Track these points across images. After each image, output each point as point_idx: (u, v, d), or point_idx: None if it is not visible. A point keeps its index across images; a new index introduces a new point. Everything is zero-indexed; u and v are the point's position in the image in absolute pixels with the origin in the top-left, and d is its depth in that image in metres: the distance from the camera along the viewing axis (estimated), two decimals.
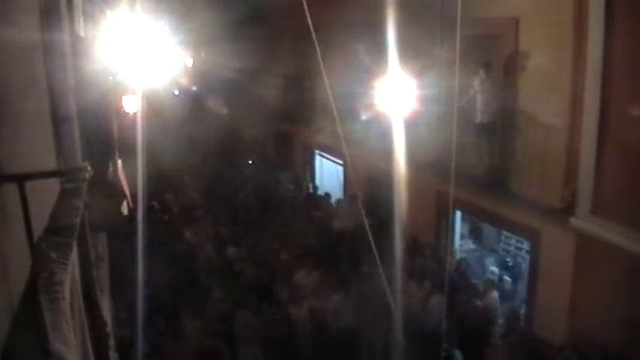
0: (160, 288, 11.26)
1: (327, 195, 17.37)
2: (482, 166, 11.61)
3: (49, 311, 1.75)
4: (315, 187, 19.16)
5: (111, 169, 6.32)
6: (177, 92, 21.54)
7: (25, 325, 1.81)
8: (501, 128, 11.37)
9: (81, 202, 2.65)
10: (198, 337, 10.39)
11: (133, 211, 8.34)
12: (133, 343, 9.25)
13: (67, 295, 1.93)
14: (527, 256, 12.16)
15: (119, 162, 6.68)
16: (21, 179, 2.45)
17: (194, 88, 22.32)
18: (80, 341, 2.20)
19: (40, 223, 2.48)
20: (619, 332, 8.77)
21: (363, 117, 13.96)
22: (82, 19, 5.90)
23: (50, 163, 4.24)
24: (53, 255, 2.07)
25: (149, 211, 13.66)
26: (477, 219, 14.15)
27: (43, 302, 1.79)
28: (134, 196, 8.46)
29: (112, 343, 4.97)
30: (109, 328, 5.27)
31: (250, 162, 21.71)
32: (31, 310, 1.81)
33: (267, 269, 12.43)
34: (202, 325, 10.54)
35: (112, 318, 7.99)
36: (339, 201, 16.63)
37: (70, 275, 2.08)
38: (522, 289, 12.41)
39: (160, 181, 14.90)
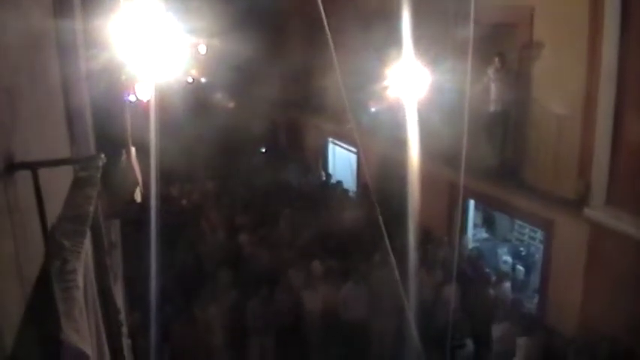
0: (172, 275, 11.32)
1: (340, 183, 17.35)
2: (495, 156, 11.57)
3: (62, 299, 1.76)
4: (329, 175, 19.15)
5: (124, 156, 6.33)
6: (190, 80, 21.53)
7: (39, 313, 1.82)
8: (515, 118, 11.31)
9: (94, 191, 2.65)
10: (209, 325, 10.44)
11: (146, 198, 8.37)
12: (145, 330, 9.31)
13: (80, 283, 1.93)
14: (541, 246, 12.11)
15: (132, 149, 6.69)
16: (34, 167, 2.47)
17: (203, 80, 22.30)
18: (94, 329, 2.22)
19: (53, 212, 2.49)
20: (631, 324, 8.74)
21: (376, 105, 13.92)
22: (94, 8, 5.90)
23: (64, 152, 4.25)
24: (66, 243, 2.07)
25: (163, 199, 13.72)
26: (490, 208, 14.11)
27: (56, 290, 1.80)
28: (147, 185, 8.48)
29: (125, 329, 5.00)
30: (122, 315, 5.29)
31: (263, 150, 21.71)
32: (44, 299, 1.82)
33: (279, 257, 12.43)
34: (213, 313, 10.57)
35: (124, 305, 8.03)
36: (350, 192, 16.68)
37: (83, 263, 2.08)
38: (535, 279, 12.38)
39: (171, 171, 14.93)
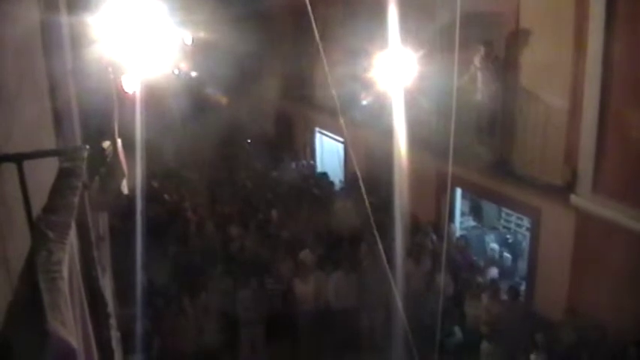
0: (161, 267, 11.32)
1: (325, 175, 17.41)
2: (482, 144, 11.60)
3: (48, 291, 1.76)
4: (314, 167, 19.21)
5: (110, 148, 6.30)
6: (177, 71, 21.45)
7: (24, 305, 1.82)
8: (502, 106, 11.33)
9: (79, 182, 2.64)
10: (199, 316, 10.45)
11: (133, 191, 8.35)
12: (135, 322, 9.31)
13: (66, 274, 1.93)
14: (528, 234, 12.18)
15: (119, 141, 6.66)
16: (19, 159, 2.46)
17: (192, 73, 22.23)
18: (80, 321, 2.21)
19: (39, 203, 2.48)
20: (618, 310, 8.81)
21: (364, 95, 13.92)
22: (79, 0, 5.87)
23: (49, 144, 4.23)
24: (51, 234, 2.07)
25: (150, 191, 13.70)
26: (477, 197, 14.17)
27: (41, 282, 1.79)
28: (134, 177, 8.46)
29: (113, 322, 4.99)
30: (111, 308, 5.29)
31: (249, 141, 21.66)
32: (29, 290, 1.82)
33: (269, 247, 12.45)
34: (203, 304, 10.59)
35: (114, 297, 8.01)
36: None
37: (68, 255, 2.08)
38: (522, 266, 12.45)
39: (158, 163, 14.89)
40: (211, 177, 17.17)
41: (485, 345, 9.61)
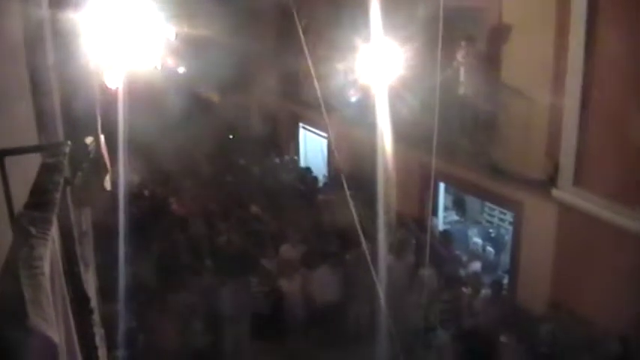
0: (146, 263, 11.28)
1: (309, 170, 17.41)
2: (465, 139, 11.64)
3: (29, 287, 1.76)
4: (297, 162, 19.22)
5: (93, 144, 6.28)
6: (159, 67, 21.30)
7: (6, 301, 1.82)
8: (485, 100, 11.38)
9: (61, 177, 2.64)
10: (183, 312, 10.43)
11: (116, 186, 8.32)
12: (119, 319, 9.27)
13: (47, 270, 1.93)
14: (510, 228, 12.25)
15: (102, 137, 6.63)
16: (1, 155, 2.45)
17: (179, 70, 22.09)
18: (62, 317, 2.21)
19: (22, 200, 2.48)
20: (600, 303, 8.89)
21: (348, 91, 13.92)
22: None
23: (31, 139, 4.22)
24: (33, 230, 2.07)
25: (133, 187, 13.64)
26: (460, 191, 14.23)
27: (22, 278, 1.79)
28: (117, 173, 8.44)
29: (96, 318, 4.98)
30: (94, 304, 5.28)
31: (231, 137, 21.54)
32: (11, 286, 1.82)
33: (253, 242, 12.44)
34: (187, 300, 10.56)
35: (97, 293, 7.99)
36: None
37: (50, 250, 2.08)
38: (505, 259, 12.53)
39: (141, 158, 14.79)
40: (195, 172, 17.09)
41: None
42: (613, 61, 8.74)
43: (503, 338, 9.17)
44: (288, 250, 11.80)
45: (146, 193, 15.20)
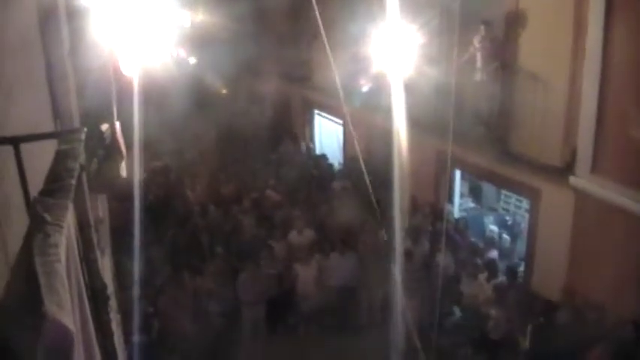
0: (161, 249, 11.34)
1: (324, 156, 17.38)
2: (482, 125, 11.57)
3: (44, 274, 1.76)
4: (313, 148, 19.20)
5: (109, 131, 6.30)
6: (175, 54, 21.29)
7: (21, 288, 1.82)
8: (501, 86, 11.29)
9: (76, 164, 2.64)
10: (198, 295, 10.48)
11: (132, 173, 8.33)
12: (134, 304, 9.33)
13: (63, 257, 1.93)
14: (527, 215, 12.19)
15: (117, 124, 6.64)
16: (16, 142, 2.45)
17: (191, 59, 22.07)
18: (78, 303, 2.21)
19: (37, 187, 2.48)
20: (616, 290, 8.84)
21: (363, 77, 13.86)
22: None
23: (47, 126, 4.23)
24: (48, 217, 2.07)
25: (148, 173, 13.69)
26: (476, 178, 14.17)
27: (38, 265, 1.79)
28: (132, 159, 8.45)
29: (113, 304, 5.01)
30: (110, 290, 5.30)
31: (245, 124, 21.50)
32: (26, 273, 1.82)
33: (266, 228, 12.48)
34: (203, 285, 10.61)
35: (113, 279, 8.04)
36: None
37: (66, 237, 2.08)
38: (521, 247, 12.48)
39: (156, 145, 14.82)
40: (210, 159, 17.12)
41: None
42: (632, 48, 8.64)
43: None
44: (296, 236, 11.81)
45: (161, 180, 15.24)
